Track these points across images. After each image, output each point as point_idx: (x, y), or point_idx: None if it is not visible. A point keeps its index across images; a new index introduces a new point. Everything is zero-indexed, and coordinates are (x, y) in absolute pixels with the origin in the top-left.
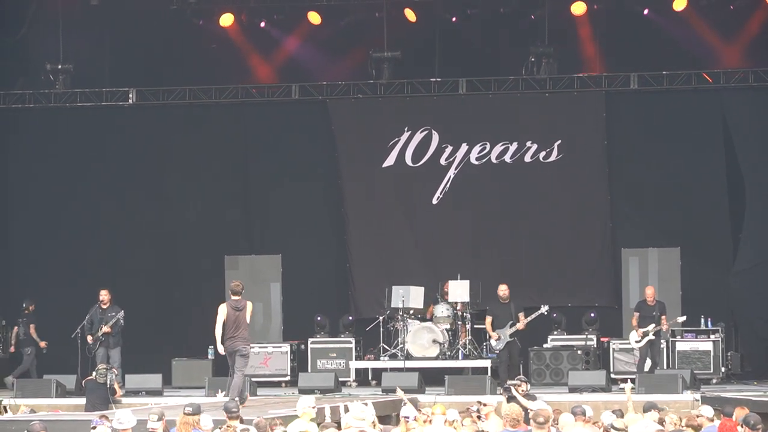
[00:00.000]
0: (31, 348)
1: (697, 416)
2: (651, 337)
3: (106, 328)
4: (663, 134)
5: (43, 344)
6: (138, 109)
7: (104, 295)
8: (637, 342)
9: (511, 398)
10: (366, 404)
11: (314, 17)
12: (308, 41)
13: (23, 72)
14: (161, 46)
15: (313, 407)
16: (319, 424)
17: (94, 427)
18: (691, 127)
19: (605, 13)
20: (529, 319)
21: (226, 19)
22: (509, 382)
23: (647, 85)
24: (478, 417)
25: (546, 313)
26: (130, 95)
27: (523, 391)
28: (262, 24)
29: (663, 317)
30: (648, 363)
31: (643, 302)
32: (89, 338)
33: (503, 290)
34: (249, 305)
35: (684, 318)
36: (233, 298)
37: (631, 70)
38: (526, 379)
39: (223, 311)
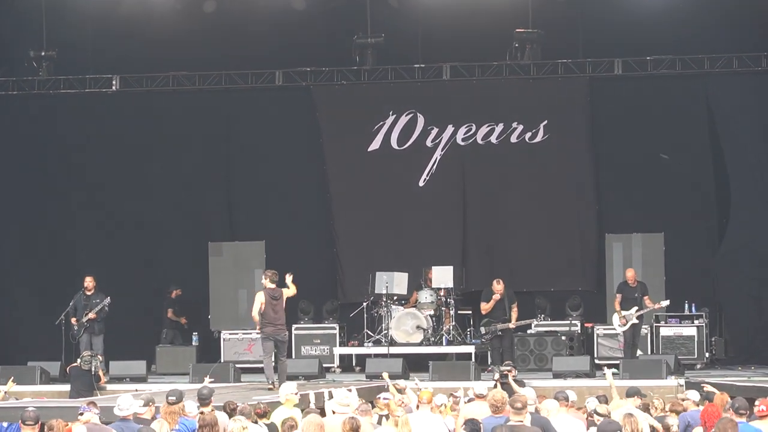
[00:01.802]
0: (166, 330)
1: (683, 400)
2: (635, 321)
3: (91, 314)
4: (647, 120)
5: (183, 321)
6: (121, 95)
7: (89, 281)
8: (621, 326)
9: (504, 384)
10: (350, 390)
11: (298, 3)
12: (292, 27)
13: (6, 59)
14: (144, 33)
15: (296, 393)
16: (302, 410)
17: (81, 414)
18: (675, 113)
19: None
20: (520, 323)
21: (210, 5)
22: (502, 368)
23: (631, 70)
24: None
25: (534, 327)
26: (114, 82)
27: (513, 376)
28: (246, 10)
29: (645, 297)
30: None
31: (624, 284)
32: (74, 321)
33: (498, 289)
34: (285, 291)
35: (667, 302)
36: (269, 286)
37: (615, 55)
38: (513, 365)
39: (261, 299)
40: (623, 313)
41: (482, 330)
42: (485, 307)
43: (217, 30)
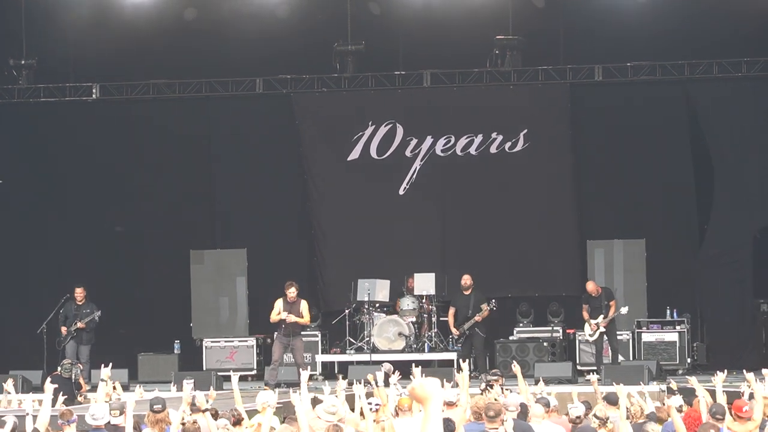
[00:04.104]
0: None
1: (663, 403)
2: (602, 329)
3: (80, 324)
4: (628, 126)
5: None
6: (102, 104)
7: (80, 292)
8: (591, 335)
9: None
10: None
11: (279, 10)
12: (272, 35)
13: None
14: (124, 41)
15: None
16: (284, 418)
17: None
18: (655, 119)
19: (569, 5)
20: (484, 311)
21: (190, 13)
22: (488, 377)
23: (611, 76)
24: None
25: (494, 308)
26: (94, 90)
27: (501, 384)
28: (226, 18)
29: (611, 303)
30: (610, 352)
31: (588, 294)
32: (63, 329)
33: (465, 279)
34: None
35: (626, 309)
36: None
37: (595, 61)
38: (501, 372)
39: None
40: (592, 321)
41: (455, 338)
42: (450, 314)
43: (197, 38)
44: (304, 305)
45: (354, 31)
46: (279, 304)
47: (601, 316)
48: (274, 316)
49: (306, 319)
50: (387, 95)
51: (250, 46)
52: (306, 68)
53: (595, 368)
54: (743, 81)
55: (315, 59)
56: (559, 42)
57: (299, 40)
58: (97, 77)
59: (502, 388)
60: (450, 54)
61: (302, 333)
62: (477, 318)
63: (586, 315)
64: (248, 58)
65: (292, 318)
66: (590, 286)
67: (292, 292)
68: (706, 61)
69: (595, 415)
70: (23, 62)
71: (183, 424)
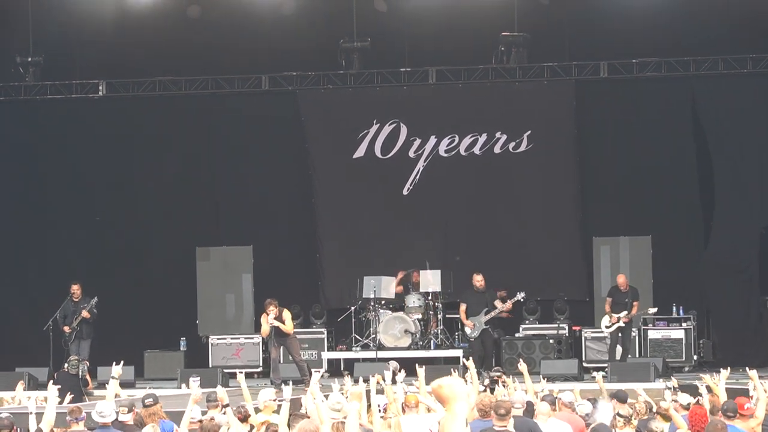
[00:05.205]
0: None
1: (673, 401)
2: (621, 324)
3: (85, 313)
4: (633, 122)
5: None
6: (108, 101)
7: (76, 288)
8: (607, 327)
9: (493, 390)
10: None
11: (284, 7)
12: (278, 32)
13: None
14: (130, 38)
15: (274, 399)
16: (291, 415)
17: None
18: (661, 115)
19: (575, 1)
20: (510, 302)
21: (194, 11)
22: (492, 374)
23: (617, 73)
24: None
25: (522, 299)
26: (100, 87)
27: (504, 382)
28: (231, 15)
29: (635, 303)
30: (619, 350)
31: (615, 288)
32: (66, 329)
33: (479, 280)
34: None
35: (655, 309)
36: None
37: (600, 58)
38: (504, 370)
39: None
40: (614, 315)
41: (467, 331)
42: (461, 310)
43: (203, 35)
44: (286, 314)
45: (360, 28)
46: (263, 319)
47: (624, 311)
48: (265, 329)
49: (288, 327)
50: (392, 93)
51: (255, 43)
52: (312, 65)
53: (605, 364)
54: (749, 77)
55: (321, 56)
56: (565, 38)
57: (305, 37)
58: (103, 74)
59: (504, 385)
60: (455, 51)
61: (310, 329)
62: (506, 306)
63: (608, 308)
64: (254, 55)
65: (275, 323)
66: (621, 279)
67: (271, 310)
68: (712, 58)
69: (618, 414)
70: (30, 59)
71: (200, 421)
